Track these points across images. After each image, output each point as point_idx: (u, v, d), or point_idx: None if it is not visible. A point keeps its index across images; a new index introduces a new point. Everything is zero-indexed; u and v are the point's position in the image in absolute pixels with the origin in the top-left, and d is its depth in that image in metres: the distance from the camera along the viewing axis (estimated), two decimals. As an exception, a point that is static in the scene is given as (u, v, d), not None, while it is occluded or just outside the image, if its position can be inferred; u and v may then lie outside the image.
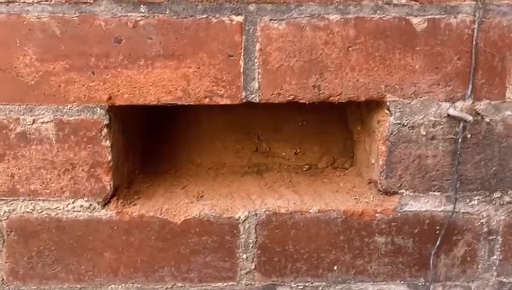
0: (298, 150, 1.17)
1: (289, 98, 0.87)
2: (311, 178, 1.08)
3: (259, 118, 1.15)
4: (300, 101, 0.88)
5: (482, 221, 0.94)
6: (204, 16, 0.83)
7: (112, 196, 0.92)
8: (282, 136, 1.18)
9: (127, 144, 0.98)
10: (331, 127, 1.17)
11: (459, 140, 0.89)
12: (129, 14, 0.82)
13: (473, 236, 0.95)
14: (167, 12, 0.83)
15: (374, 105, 0.92)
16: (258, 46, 0.85)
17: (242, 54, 0.85)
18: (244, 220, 0.91)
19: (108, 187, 0.90)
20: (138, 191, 0.99)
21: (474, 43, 0.85)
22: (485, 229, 0.94)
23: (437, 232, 0.93)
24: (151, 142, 1.15)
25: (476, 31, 0.85)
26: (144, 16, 0.82)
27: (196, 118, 1.16)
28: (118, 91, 0.86)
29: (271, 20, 0.84)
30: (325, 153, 1.16)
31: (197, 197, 0.96)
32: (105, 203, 0.91)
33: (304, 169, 1.13)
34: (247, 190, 1.00)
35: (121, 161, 0.95)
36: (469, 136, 0.89)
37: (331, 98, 0.88)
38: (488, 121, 0.89)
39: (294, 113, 1.15)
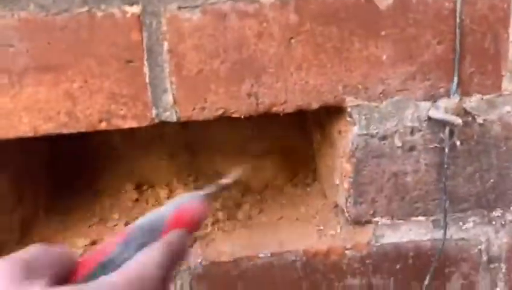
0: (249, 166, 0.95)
1: (217, 113, 0.65)
2: (265, 203, 0.86)
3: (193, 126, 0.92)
4: (234, 116, 0.65)
5: (480, 247, 0.74)
6: (85, 8, 0.59)
7: (-8, 260, 0.68)
8: (225, 148, 0.96)
9: (17, 183, 0.75)
10: (288, 134, 0.95)
11: (446, 149, 0.68)
12: (-24, 13, 0.58)
13: (470, 266, 0.74)
14: (31, 8, 0.58)
15: (333, 110, 0.70)
16: (166, 46, 0.61)
17: (145, 58, 0.61)
18: (174, 276, 0.69)
19: (-16, 251, 0.67)
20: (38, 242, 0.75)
21: (457, 20, 0.63)
22: (485, 257, 0.74)
23: (426, 266, 0.73)
24: (63, 166, 0.91)
25: (459, 4, 0.63)
26: (-2, 15, 0.58)
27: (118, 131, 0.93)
28: (-23, 122, 0.62)
29: (180, 8, 0.60)
30: (283, 168, 0.94)
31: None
32: (-16, 271, 0.68)
33: (257, 190, 0.90)
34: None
35: (7, 210, 0.72)
36: (458, 143, 0.68)
37: (274, 109, 0.65)
38: (481, 121, 0.68)
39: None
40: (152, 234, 0.38)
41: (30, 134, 0.63)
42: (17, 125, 0.62)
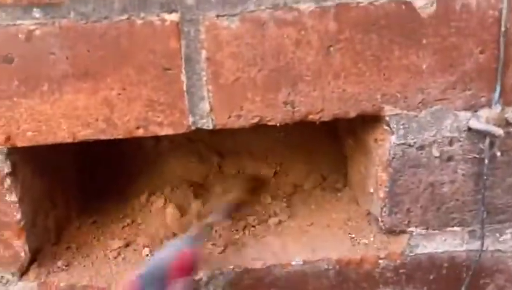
0: (278, 169, 0.95)
1: (253, 121, 0.64)
2: (295, 207, 0.85)
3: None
4: (269, 124, 0.65)
5: (517, 259, 0.72)
6: (125, 16, 0.59)
7: (30, 262, 0.70)
8: (255, 152, 0.96)
9: (51, 187, 0.76)
10: (317, 137, 0.94)
11: (486, 160, 0.66)
12: (18, 21, 0.58)
13: (505, 278, 0.73)
14: (71, 15, 0.59)
15: (369, 119, 0.69)
16: (204, 54, 0.61)
17: (182, 66, 0.61)
18: (207, 282, 0.69)
19: (22, 253, 0.68)
20: (71, 246, 0.76)
21: (502, 28, 0.61)
22: (522, 270, 0.73)
23: (460, 277, 0.72)
24: (94, 168, 0.92)
25: (504, 12, 0.61)
26: (39, 24, 0.58)
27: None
28: (18, 128, 0.62)
29: (218, 16, 0.60)
30: (311, 171, 0.94)
31: (147, 252, 0.74)
32: (22, 273, 0.69)
33: (286, 195, 0.90)
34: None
35: (42, 212, 0.73)
36: (498, 154, 0.66)
37: (310, 117, 0.65)
38: (524, 132, 0.66)
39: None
40: (159, 283, 0.44)
41: (69, 140, 0.63)
42: (56, 131, 0.63)
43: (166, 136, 0.90)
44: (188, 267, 0.47)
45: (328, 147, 0.95)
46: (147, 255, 0.73)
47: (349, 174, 0.88)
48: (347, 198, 0.86)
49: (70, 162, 0.84)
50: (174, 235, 0.77)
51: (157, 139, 0.94)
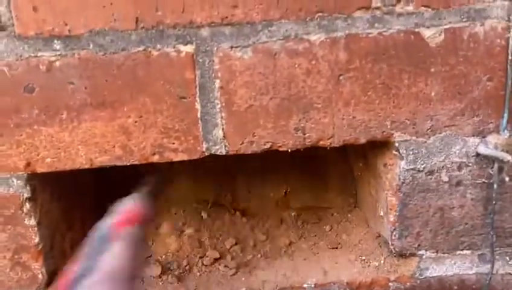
0: (288, 190, 0.96)
1: (265, 147, 0.66)
2: (304, 228, 0.87)
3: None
4: (281, 149, 0.67)
5: (527, 282, 0.73)
6: (142, 48, 0.61)
7: (47, 284, 0.71)
8: (262, 172, 0.97)
9: (67, 210, 0.78)
10: (326, 157, 0.96)
11: (494, 185, 0.67)
12: (39, 53, 0.61)
13: (516, 301, 0.74)
14: (90, 47, 0.61)
15: (379, 144, 0.70)
16: (217, 83, 0.63)
17: (197, 94, 0.63)
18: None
19: (40, 275, 0.70)
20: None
21: (509, 57, 0.63)
22: (532, 293, 0.73)
23: (470, 301, 0.73)
24: (110, 189, 0.94)
25: (511, 41, 0.63)
26: (59, 55, 0.61)
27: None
28: (38, 155, 0.64)
29: (232, 47, 0.62)
30: (320, 192, 0.95)
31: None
32: (40, 295, 0.71)
33: (295, 214, 0.91)
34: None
35: (59, 235, 0.75)
36: (507, 179, 0.67)
37: (321, 143, 0.66)
38: (532, 158, 0.67)
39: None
40: (104, 240, 0.46)
41: (86, 166, 0.65)
42: (74, 157, 0.65)
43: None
44: (132, 220, 0.50)
45: (338, 167, 0.96)
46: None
47: (358, 196, 0.89)
48: (357, 220, 0.87)
49: (87, 184, 0.86)
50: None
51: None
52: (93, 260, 0.43)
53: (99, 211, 0.88)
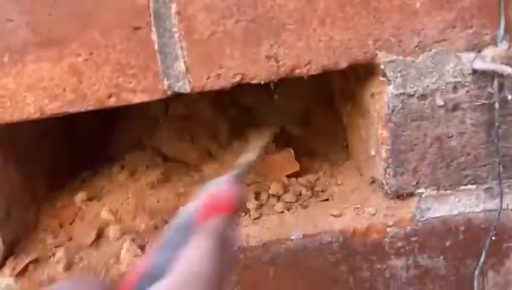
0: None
1: (235, 80, 0.59)
2: (293, 183, 0.79)
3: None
4: (253, 82, 0.59)
5: (542, 217, 0.65)
6: (85, -27, 0.54)
7: (6, 256, 0.64)
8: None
9: (29, 177, 0.71)
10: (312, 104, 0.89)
11: (496, 105, 0.60)
12: (-30, -13, 0.54)
13: (531, 240, 0.66)
14: (28, -24, 0.54)
15: (363, 72, 0.63)
16: (174, 8, 0.56)
17: (152, 23, 0.56)
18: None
19: (-4, 246, 0.63)
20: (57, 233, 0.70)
21: (501, -46, 0.56)
22: (548, 228, 0.65)
23: (479, 242, 0.65)
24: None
25: None
26: (-7, -12, 0.54)
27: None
28: (-20, 106, 0.58)
29: (186, -36, 0.55)
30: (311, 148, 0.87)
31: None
32: (-2, 267, 0.64)
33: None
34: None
35: (19, 204, 0.68)
36: (510, 96, 0.60)
37: (297, 72, 0.59)
38: (536, 70, 0.59)
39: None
40: (185, 230, 0.36)
41: (36, 115, 0.58)
42: (21, 106, 0.58)
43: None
44: (221, 207, 0.38)
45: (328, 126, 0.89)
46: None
47: (350, 145, 0.81)
48: (349, 170, 0.79)
49: (54, 146, 0.79)
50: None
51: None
52: (170, 255, 0.34)
53: (76, 177, 0.82)
